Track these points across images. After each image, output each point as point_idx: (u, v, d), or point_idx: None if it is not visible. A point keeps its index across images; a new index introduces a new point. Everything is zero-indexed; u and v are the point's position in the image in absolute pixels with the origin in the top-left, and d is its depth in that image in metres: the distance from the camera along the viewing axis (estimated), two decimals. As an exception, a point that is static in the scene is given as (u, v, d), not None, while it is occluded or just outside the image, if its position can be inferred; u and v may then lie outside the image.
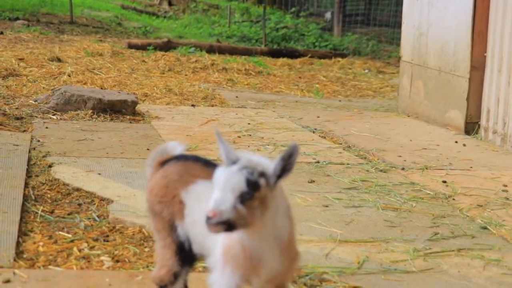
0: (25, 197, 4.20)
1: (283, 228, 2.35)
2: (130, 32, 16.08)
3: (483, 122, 7.21)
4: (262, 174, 2.23)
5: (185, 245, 2.60)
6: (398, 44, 9.66)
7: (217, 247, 2.41)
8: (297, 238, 2.48)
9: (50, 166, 4.94)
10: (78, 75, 9.15)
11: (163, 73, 10.37)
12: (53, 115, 6.82)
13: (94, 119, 6.79)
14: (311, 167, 5.53)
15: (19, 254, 3.37)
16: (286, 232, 2.36)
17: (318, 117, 7.94)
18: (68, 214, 4.02)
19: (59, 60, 10.26)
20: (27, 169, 4.76)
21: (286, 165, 2.27)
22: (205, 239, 2.48)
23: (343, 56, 14.57)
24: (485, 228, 4.24)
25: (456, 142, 6.89)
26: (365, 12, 20.25)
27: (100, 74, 9.46)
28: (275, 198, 2.29)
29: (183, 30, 17.51)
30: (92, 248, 3.54)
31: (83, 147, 5.61)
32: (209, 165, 2.63)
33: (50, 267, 3.29)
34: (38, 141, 5.69)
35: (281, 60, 13.36)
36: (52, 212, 4.04)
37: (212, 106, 8.30)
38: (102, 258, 3.42)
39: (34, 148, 5.41)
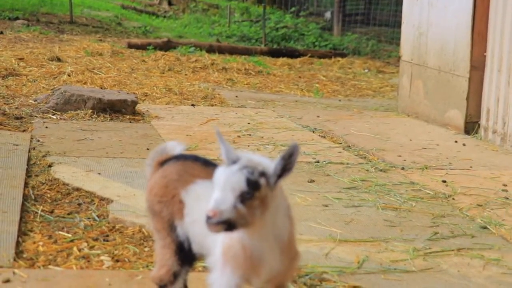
0: (25, 197, 4.20)
1: (283, 228, 2.35)
2: (130, 32, 16.08)
3: (483, 121, 7.21)
4: (263, 174, 2.23)
5: (184, 245, 2.60)
6: (398, 44, 9.66)
7: (217, 247, 2.41)
8: (297, 238, 2.48)
9: (50, 166, 4.94)
10: (78, 74, 9.15)
11: (163, 73, 10.37)
12: (53, 114, 6.82)
13: (94, 119, 6.79)
14: (311, 166, 5.53)
15: (19, 253, 3.37)
16: (286, 231, 2.36)
17: (318, 116, 7.94)
18: (68, 214, 4.02)
19: (59, 59, 10.26)
20: (26, 169, 4.76)
21: (286, 165, 2.27)
22: (205, 238, 2.48)
23: (343, 55, 14.57)
24: (484, 227, 4.24)
25: (456, 141, 6.89)
26: (365, 12, 20.25)
27: (100, 74, 9.46)
28: (275, 197, 2.29)
29: (183, 30, 17.51)
30: (92, 247, 3.54)
31: (83, 147, 5.61)
32: (208, 165, 2.64)
33: (50, 266, 3.29)
34: (38, 140, 5.69)
35: (281, 60, 13.36)
36: (52, 211, 4.04)
37: (212, 105, 8.30)
38: (102, 257, 3.42)
39: (34, 148, 5.41)
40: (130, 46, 12.82)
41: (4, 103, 7.14)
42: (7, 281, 3.06)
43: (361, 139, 6.75)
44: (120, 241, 3.65)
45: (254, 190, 2.20)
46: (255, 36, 16.65)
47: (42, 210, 4.02)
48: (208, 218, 2.16)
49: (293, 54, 14.00)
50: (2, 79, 8.52)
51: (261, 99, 9.06)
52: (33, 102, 7.29)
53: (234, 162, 2.25)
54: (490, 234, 4.14)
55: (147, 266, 3.33)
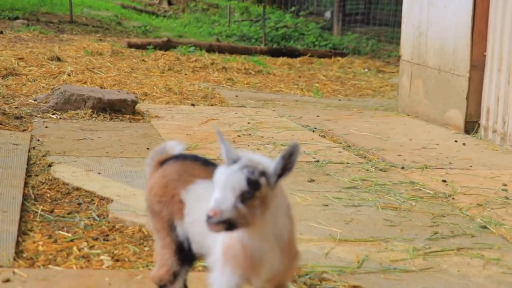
0: (25, 197, 4.20)
1: (283, 228, 2.35)
2: (129, 32, 16.07)
3: (482, 121, 7.21)
4: (263, 173, 2.23)
5: (184, 245, 2.60)
6: (398, 43, 9.66)
7: (217, 247, 2.41)
8: (297, 237, 2.48)
9: (49, 166, 4.94)
10: (77, 74, 9.15)
11: (163, 73, 10.37)
12: (53, 114, 6.82)
13: (93, 119, 6.79)
14: (311, 166, 5.53)
15: (18, 253, 3.37)
16: (286, 231, 2.36)
17: (318, 116, 7.94)
18: (68, 214, 4.02)
19: (58, 59, 10.26)
20: (26, 169, 4.76)
21: (286, 164, 2.27)
22: (205, 238, 2.48)
23: (342, 55, 14.57)
24: (484, 227, 4.24)
25: (456, 141, 6.89)
26: (365, 11, 20.25)
27: (99, 74, 9.46)
28: (275, 197, 2.29)
29: (183, 30, 17.50)
30: (92, 247, 3.54)
31: (82, 147, 5.61)
32: (208, 165, 2.64)
33: (50, 266, 3.29)
34: (38, 140, 5.69)
35: (281, 59, 13.36)
36: (51, 211, 4.04)
37: (212, 105, 8.30)
38: (102, 257, 3.42)
39: (34, 148, 5.41)
40: (130, 45, 12.82)
41: (4, 103, 7.14)
42: (7, 280, 3.06)
43: (361, 139, 6.75)
44: (120, 240, 3.65)
45: (255, 190, 2.20)
46: (255, 35, 16.65)
47: (42, 210, 4.02)
48: (209, 217, 2.16)
49: (293, 53, 13.99)
50: (2, 78, 8.52)
51: (261, 98, 9.06)
52: (33, 101, 7.29)
53: (234, 161, 2.25)
54: (490, 234, 4.14)
55: (147, 266, 3.33)
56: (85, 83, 8.65)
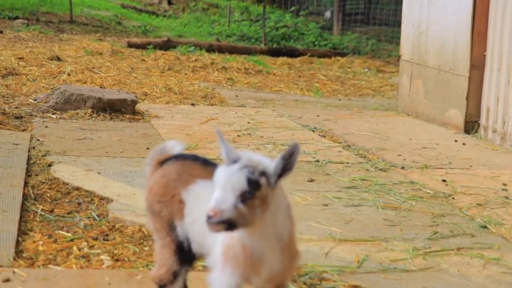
0: (25, 196, 4.20)
1: (284, 227, 2.35)
2: (129, 31, 16.07)
3: (482, 121, 7.21)
4: (263, 173, 2.23)
5: (184, 245, 2.60)
6: (398, 43, 9.66)
7: (217, 246, 2.41)
8: (296, 237, 2.48)
9: (49, 165, 4.94)
10: (77, 74, 9.15)
11: (163, 72, 10.37)
12: (53, 114, 6.82)
13: (93, 118, 6.79)
14: (311, 166, 5.53)
15: (18, 253, 3.37)
16: (286, 231, 2.36)
17: (318, 116, 7.94)
18: (68, 213, 4.02)
19: (58, 59, 10.26)
20: (26, 168, 4.76)
21: (287, 164, 2.27)
22: (205, 238, 2.48)
23: (342, 55, 14.56)
24: (484, 227, 4.24)
25: (456, 141, 6.89)
26: (365, 11, 20.25)
27: (99, 73, 9.46)
28: (275, 197, 2.29)
29: (183, 29, 17.50)
30: (91, 247, 3.54)
31: (82, 146, 5.61)
32: (208, 165, 2.64)
33: (50, 266, 3.29)
34: (38, 140, 5.69)
35: (281, 59, 13.36)
36: (51, 211, 4.04)
37: (212, 105, 8.30)
38: (101, 257, 3.42)
39: (34, 147, 5.41)
40: (130, 45, 12.82)
41: (4, 103, 7.14)
42: (7, 280, 3.06)
43: (361, 139, 6.75)
44: (120, 240, 3.65)
45: (255, 190, 2.20)
46: (255, 35, 16.65)
47: (42, 210, 4.02)
48: (209, 217, 2.16)
49: (293, 53, 13.99)
50: (2, 78, 8.52)
51: (261, 98, 9.06)
52: (33, 101, 7.29)
53: (234, 161, 2.25)
54: (490, 234, 4.14)
55: (147, 266, 3.33)
56: (85, 82, 8.65)
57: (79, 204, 4.21)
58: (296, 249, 2.44)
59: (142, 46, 12.79)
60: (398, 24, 11.10)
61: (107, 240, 3.65)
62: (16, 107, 6.98)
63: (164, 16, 20.14)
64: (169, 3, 22.43)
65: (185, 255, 2.61)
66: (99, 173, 4.86)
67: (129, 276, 3.20)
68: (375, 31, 17.93)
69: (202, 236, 2.49)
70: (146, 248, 3.56)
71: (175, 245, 2.60)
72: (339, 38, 17.03)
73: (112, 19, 17.48)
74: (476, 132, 7.24)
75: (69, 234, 3.68)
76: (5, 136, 5.65)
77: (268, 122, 7.31)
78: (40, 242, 3.54)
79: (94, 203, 4.23)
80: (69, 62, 10.13)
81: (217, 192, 2.20)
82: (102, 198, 4.31)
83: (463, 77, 7.37)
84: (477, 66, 7.24)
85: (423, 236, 4.01)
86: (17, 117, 6.52)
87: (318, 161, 5.68)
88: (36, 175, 4.69)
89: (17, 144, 5.38)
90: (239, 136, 6.50)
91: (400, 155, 6.09)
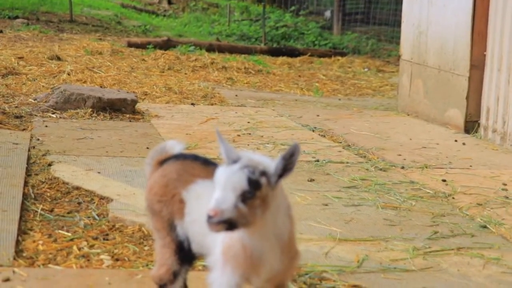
0: (25, 196, 4.20)
1: (284, 227, 2.35)
2: (129, 31, 16.07)
3: (482, 120, 7.21)
4: (264, 173, 2.23)
5: (184, 244, 2.60)
6: (398, 43, 9.66)
7: (217, 246, 2.41)
8: (296, 237, 2.48)
9: (49, 165, 4.94)
10: (77, 73, 9.14)
11: (163, 72, 10.37)
12: (53, 113, 6.82)
13: (93, 118, 6.79)
14: (311, 165, 5.53)
15: (18, 252, 3.37)
16: (286, 231, 2.36)
17: (318, 115, 7.94)
18: (68, 213, 4.02)
19: (58, 58, 10.26)
20: (26, 168, 4.76)
21: (287, 164, 2.27)
22: (205, 238, 2.48)
23: (342, 54, 14.56)
24: (484, 227, 4.24)
25: (456, 141, 6.89)
26: (365, 11, 20.24)
27: (99, 73, 9.46)
28: (276, 197, 2.29)
29: (183, 29, 17.50)
30: (91, 246, 3.54)
31: (82, 146, 5.61)
32: (208, 164, 2.63)
33: (50, 265, 3.29)
34: (38, 139, 5.69)
35: (281, 59, 13.36)
36: (51, 210, 4.04)
37: (212, 104, 8.30)
38: (101, 256, 3.42)
39: (34, 147, 5.41)
40: (130, 45, 12.82)
41: (4, 102, 7.14)
42: (7, 280, 3.06)
43: (361, 138, 6.75)
44: (120, 240, 3.65)
45: (255, 190, 2.20)
46: (255, 35, 16.64)
47: (42, 209, 4.02)
48: (209, 217, 2.16)
49: (293, 53, 13.99)
50: (2, 78, 8.52)
51: (261, 98, 9.06)
52: (33, 101, 7.29)
53: (234, 161, 2.25)
54: (490, 233, 4.14)
55: (147, 265, 3.33)
56: (85, 82, 8.65)
57: (79, 203, 4.21)
58: (296, 249, 2.44)
59: (142, 46, 12.79)
60: (398, 23, 11.10)
61: (107, 239, 3.65)
62: (16, 107, 6.99)
63: (164, 15, 20.14)
64: (169, 2, 22.42)
65: (185, 255, 2.61)
66: (99, 172, 4.86)
67: (129, 275, 3.20)
68: (375, 30, 17.93)
69: (202, 236, 2.49)
70: (146, 248, 3.56)
71: (175, 245, 2.60)
72: (339, 37, 17.03)
73: (112, 19, 17.47)
74: (476, 132, 7.24)
75: (69, 234, 3.68)
76: (5, 136, 5.65)
77: (268, 121, 7.31)
78: (40, 242, 3.54)
79: (94, 202, 4.23)
80: (69, 61, 10.13)
81: (218, 192, 2.20)
82: (102, 198, 4.31)
83: (463, 77, 7.37)
84: (477, 66, 7.24)
85: (423, 236, 4.01)
86: (17, 117, 6.52)
87: (318, 160, 5.68)
88: (36, 174, 4.69)
89: (17, 144, 5.38)
90: (239, 135, 6.50)
91: (400, 155, 6.09)
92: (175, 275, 2.61)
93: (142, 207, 3.84)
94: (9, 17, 15.37)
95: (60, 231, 3.72)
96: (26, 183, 4.44)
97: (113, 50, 11.67)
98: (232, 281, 2.35)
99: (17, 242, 3.48)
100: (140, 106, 7.49)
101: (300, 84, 10.64)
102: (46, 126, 6.24)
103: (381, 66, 13.57)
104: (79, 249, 3.49)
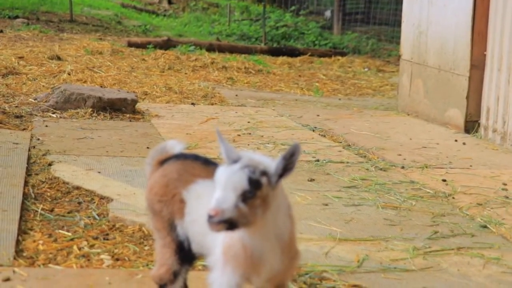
0: (25, 196, 4.20)
1: (284, 227, 2.35)
2: (129, 31, 16.07)
3: (483, 120, 7.21)
4: (264, 173, 2.23)
5: (184, 244, 2.60)
6: (398, 43, 9.66)
7: (217, 246, 2.41)
8: (297, 237, 2.48)
9: (50, 165, 4.94)
10: (77, 73, 9.15)
11: (163, 72, 10.37)
12: (53, 113, 6.82)
13: (94, 118, 6.79)
14: (311, 165, 5.53)
15: (18, 252, 3.37)
16: (287, 231, 2.36)
17: (318, 115, 7.94)
18: (68, 213, 4.02)
19: (59, 58, 10.26)
20: (26, 168, 4.76)
21: (287, 164, 2.27)
22: (205, 238, 2.48)
23: (343, 54, 14.56)
24: (484, 226, 4.24)
25: (456, 140, 6.89)
26: (365, 11, 20.25)
27: (100, 73, 9.46)
28: (276, 197, 2.29)
29: (183, 29, 17.50)
30: (92, 246, 3.54)
31: (83, 146, 5.61)
32: (208, 164, 2.63)
33: (50, 265, 3.29)
34: (38, 139, 5.69)
35: (281, 59, 13.36)
36: (52, 210, 4.04)
37: (212, 104, 8.30)
38: (102, 256, 3.42)
39: (34, 147, 5.41)
40: (130, 44, 12.82)
41: (4, 102, 7.14)
42: (7, 279, 3.06)
43: (361, 138, 6.75)
44: (120, 239, 3.65)
45: (256, 189, 2.20)
46: (255, 35, 16.64)
47: (42, 209, 4.02)
48: (210, 217, 2.16)
49: (293, 53, 13.99)
50: (2, 77, 8.52)
51: (261, 98, 9.06)
52: (33, 100, 7.29)
53: (235, 161, 2.25)
54: (490, 233, 4.14)
55: (147, 265, 3.33)
56: (85, 82, 8.65)
57: (79, 203, 4.21)
58: (297, 249, 2.44)
59: (142, 46, 12.79)
60: (398, 23, 11.10)
61: (107, 239, 3.66)
62: (16, 106, 6.99)
63: (164, 15, 20.14)
64: (169, 2, 22.42)
65: (186, 255, 2.61)
66: (99, 172, 4.86)
67: (129, 275, 3.20)
68: (375, 30, 17.94)
69: (202, 235, 2.49)
70: (146, 248, 3.56)
71: (175, 245, 2.61)
72: (339, 37, 17.03)
73: (112, 19, 17.48)
74: (476, 132, 7.24)
75: (69, 234, 3.69)
76: (5, 135, 5.65)
77: (268, 121, 7.31)
78: (40, 242, 3.54)
79: (94, 202, 4.23)
80: (69, 61, 10.13)
81: (218, 191, 2.20)
82: (102, 198, 4.32)
83: (463, 76, 7.36)
84: (477, 65, 7.24)
85: (423, 236, 4.01)
86: (17, 116, 6.52)
87: (318, 160, 5.68)
88: (36, 174, 4.69)
89: (17, 143, 5.39)
90: (239, 135, 6.50)
91: (400, 155, 6.09)
92: (175, 275, 2.62)
93: (142, 207, 3.84)
94: (9, 17, 15.38)
95: (60, 231, 3.72)
96: (26, 183, 4.44)
97: (113, 50, 11.68)
98: (232, 281, 2.35)
99: (17, 242, 3.48)
100: (140, 106, 7.50)
101: (300, 84, 10.64)
102: (46, 126, 6.24)
103: (381, 66, 13.57)
104: (79, 249, 3.49)
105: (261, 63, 12.11)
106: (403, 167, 5.64)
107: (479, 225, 4.26)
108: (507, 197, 4.91)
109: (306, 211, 4.31)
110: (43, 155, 5.19)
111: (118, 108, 7.07)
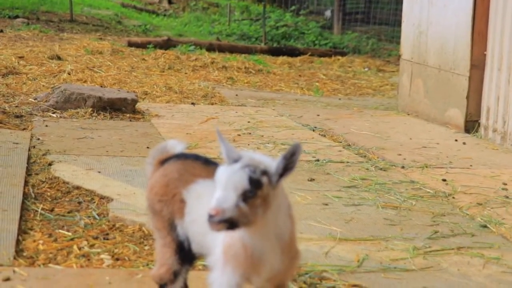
0: (25, 195, 4.20)
1: (285, 227, 2.35)
2: (130, 30, 16.07)
3: (483, 120, 7.21)
4: (265, 173, 2.23)
5: (184, 244, 2.60)
6: (398, 43, 9.66)
7: (217, 246, 2.41)
8: (297, 237, 2.48)
9: (50, 164, 4.94)
10: (78, 73, 9.15)
11: (163, 71, 10.37)
12: (53, 113, 6.82)
13: (94, 117, 6.79)
14: (311, 165, 5.53)
15: (19, 252, 3.37)
16: (287, 230, 2.36)
17: (318, 115, 7.94)
18: (68, 212, 4.02)
19: (59, 58, 10.26)
20: (27, 167, 4.76)
21: (288, 164, 2.27)
22: (205, 237, 2.48)
23: (343, 54, 14.56)
24: (484, 226, 4.24)
25: (456, 140, 6.89)
26: (365, 11, 20.25)
27: (100, 72, 9.46)
28: (277, 196, 2.29)
29: (183, 28, 17.50)
30: (92, 246, 3.54)
31: (83, 145, 5.61)
32: (209, 164, 2.63)
33: (50, 265, 3.29)
34: (38, 139, 5.69)
35: (281, 59, 13.36)
36: (52, 210, 4.04)
37: (212, 104, 8.30)
38: (102, 256, 3.42)
39: (34, 146, 5.41)
40: (130, 44, 12.82)
41: (4, 102, 7.14)
42: (7, 279, 3.06)
43: (361, 138, 6.75)
44: (120, 239, 3.65)
45: (256, 189, 2.20)
46: (255, 34, 16.64)
47: (42, 209, 4.02)
48: (210, 216, 2.16)
49: (293, 52, 13.99)
50: (2, 77, 8.52)
51: (261, 97, 9.06)
52: (33, 100, 7.29)
53: (235, 161, 2.25)
54: (490, 233, 4.14)
55: (147, 265, 3.33)
56: (85, 82, 8.65)
57: (79, 203, 4.21)
58: (297, 249, 2.44)
59: (142, 45, 12.79)
60: (399, 23, 11.10)
61: (107, 239, 3.66)
62: (17, 106, 6.99)
63: (165, 15, 20.14)
64: (170, 2, 22.43)
65: (186, 255, 2.61)
66: (99, 172, 4.86)
67: (129, 275, 3.20)
68: (375, 30, 17.94)
69: (202, 235, 2.49)
70: (146, 247, 3.56)
71: (175, 245, 2.61)
72: (339, 37, 17.03)
73: (113, 18, 17.48)
74: (477, 132, 7.24)
75: (69, 233, 3.69)
76: (5, 135, 5.65)
77: (268, 121, 7.31)
78: (40, 241, 3.54)
79: (95, 202, 4.23)
80: (70, 61, 10.13)
81: (219, 191, 2.20)
82: (102, 197, 4.32)
83: (463, 76, 7.36)
84: (477, 65, 7.24)
85: (423, 236, 4.01)
86: (17, 116, 6.52)
87: (318, 160, 5.68)
88: (37, 174, 4.70)
89: (17, 143, 5.39)
90: (239, 135, 6.50)
91: (400, 155, 6.09)
92: (175, 274, 2.62)
93: (142, 207, 3.84)
94: (9, 17, 15.38)
95: (60, 230, 3.72)
96: (26, 183, 4.44)
97: (114, 50, 11.67)
98: (232, 280, 2.35)
99: (18, 242, 3.48)
100: (140, 105, 7.50)
101: (300, 83, 10.64)
102: (47, 126, 6.24)
103: (381, 66, 13.57)
104: (80, 248, 3.49)
105: (261, 63, 12.11)
106: (403, 167, 5.64)
107: (479, 225, 4.26)
108: (507, 197, 4.91)
109: (306, 211, 4.31)
110: (43, 155, 5.19)
111: (118, 108, 7.07)
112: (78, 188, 4.46)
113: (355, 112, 8.42)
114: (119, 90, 7.62)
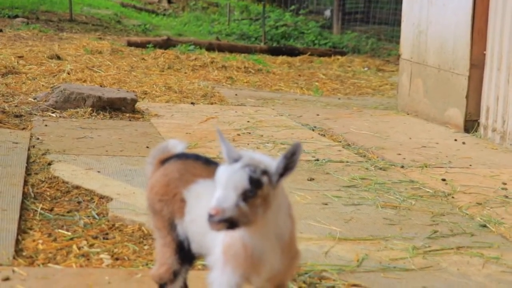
0: (25, 195, 4.20)
1: (285, 227, 2.35)
2: (129, 30, 16.07)
3: (482, 120, 7.21)
4: (265, 172, 2.23)
5: (184, 244, 2.60)
6: (398, 42, 9.66)
7: (217, 246, 2.41)
8: (297, 236, 2.48)
9: (49, 164, 4.94)
10: (77, 73, 9.14)
11: (163, 71, 10.36)
12: (53, 113, 6.82)
13: (93, 117, 6.79)
14: (311, 165, 5.53)
15: (18, 252, 3.37)
16: (287, 230, 2.36)
17: (318, 115, 7.94)
18: (68, 212, 4.02)
19: (58, 58, 10.25)
20: (26, 167, 4.76)
21: (288, 164, 2.27)
22: (204, 237, 2.48)
23: (342, 54, 14.56)
24: (484, 226, 4.24)
25: (456, 140, 6.89)
26: (365, 10, 20.25)
27: (99, 72, 9.45)
28: (277, 196, 2.29)
29: (183, 28, 17.50)
30: (91, 246, 3.54)
31: (82, 145, 5.61)
32: (209, 164, 2.63)
33: (50, 265, 3.29)
34: (38, 139, 5.69)
35: (281, 58, 13.36)
36: (51, 210, 4.04)
37: (212, 104, 8.30)
38: (101, 256, 3.42)
39: (34, 146, 5.41)
40: (130, 44, 12.82)
41: (4, 101, 7.14)
42: (7, 279, 3.06)
43: (361, 138, 6.75)
44: (120, 239, 3.65)
45: (257, 189, 2.20)
46: (255, 34, 16.64)
47: (42, 208, 4.02)
48: (211, 216, 2.16)
49: (292, 52, 13.99)
50: (2, 77, 8.51)
51: (260, 97, 9.06)
52: (32, 100, 7.29)
53: (236, 160, 2.25)
54: (489, 233, 4.14)
55: (147, 264, 3.33)
56: (84, 81, 8.65)
57: (79, 203, 4.21)
58: (297, 249, 2.44)
59: (142, 45, 12.79)
60: (398, 23, 11.10)
61: (107, 239, 3.66)
62: (16, 106, 6.98)
63: (164, 15, 20.14)
64: (169, 1, 22.43)
65: (186, 254, 2.61)
66: (99, 172, 4.86)
67: (128, 275, 3.20)
68: (375, 30, 17.94)
69: (202, 235, 2.49)
70: (146, 247, 3.56)
71: (175, 244, 2.60)
72: (339, 37, 17.03)
73: (112, 18, 17.47)
74: (476, 131, 7.24)
75: (69, 233, 3.69)
76: (5, 135, 5.65)
77: (268, 121, 7.31)
78: (40, 241, 3.54)
79: (94, 202, 4.23)
80: (69, 60, 10.13)
81: (219, 191, 2.20)
82: (102, 197, 4.32)
83: (463, 76, 7.37)
84: (477, 65, 7.24)
85: (422, 235, 4.01)
86: (17, 116, 6.52)
87: (317, 160, 5.68)
88: (36, 173, 4.69)
89: (16, 143, 5.39)
90: (239, 135, 6.50)
91: (399, 154, 6.09)
92: (175, 274, 2.61)
93: (142, 206, 3.84)
94: (8, 16, 15.37)
95: (60, 230, 3.72)
96: (26, 182, 4.44)
97: (113, 49, 11.67)
98: (232, 280, 2.35)
99: (17, 241, 3.48)
100: (140, 105, 7.49)
101: (300, 83, 10.64)
102: (46, 125, 6.24)
103: (381, 65, 13.57)
104: (79, 248, 3.49)
105: (261, 63, 12.11)
106: (402, 167, 5.64)
107: (478, 225, 4.26)
108: (506, 197, 4.91)
109: (305, 211, 4.31)
110: (43, 154, 5.19)
111: (118, 107, 7.07)
112: (77, 187, 4.46)
113: (354, 111, 8.42)
114: (118, 90, 7.62)
